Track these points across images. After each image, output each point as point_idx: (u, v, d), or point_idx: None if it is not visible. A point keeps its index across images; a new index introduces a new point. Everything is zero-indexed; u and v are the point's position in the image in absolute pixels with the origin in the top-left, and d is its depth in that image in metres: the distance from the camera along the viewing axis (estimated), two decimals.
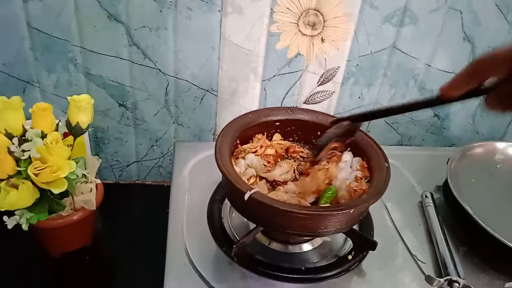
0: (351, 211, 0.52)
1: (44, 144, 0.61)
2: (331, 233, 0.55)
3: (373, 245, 0.62)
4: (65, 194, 0.67)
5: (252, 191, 0.52)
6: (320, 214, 0.52)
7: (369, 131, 0.97)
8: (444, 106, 0.41)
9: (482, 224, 0.63)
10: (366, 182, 0.60)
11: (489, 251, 0.66)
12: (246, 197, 0.52)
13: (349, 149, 0.65)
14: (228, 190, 0.60)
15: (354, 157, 0.64)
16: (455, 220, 0.72)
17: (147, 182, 0.96)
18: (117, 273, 0.76)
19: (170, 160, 0.93)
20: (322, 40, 0.82)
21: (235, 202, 0.58)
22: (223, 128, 0.63)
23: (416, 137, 0.99)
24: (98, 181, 0.72)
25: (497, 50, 0.37)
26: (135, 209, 0.91)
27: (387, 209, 0.74)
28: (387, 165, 0.59)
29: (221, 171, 0.55)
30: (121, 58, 0.78)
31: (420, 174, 0.83)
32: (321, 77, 0.87)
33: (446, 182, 0.73)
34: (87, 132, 0.80)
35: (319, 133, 0.69)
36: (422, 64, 0.88)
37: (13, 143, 0.59)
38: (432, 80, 0.90)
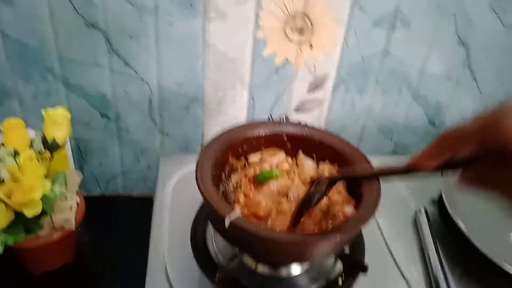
0: (337, 239, 0.49)
1: (17, 163, 0.58)
2: (318, 258, 0.52)
3: (363, 268, 0.59)
4: (42, 213, 0.65)
5: (233, 217, 0.49)
6: (305, 241, 0.49)
7: (362, 139, 0.94)
8: (417, 176, 0.41)
9: (477, 244, 0.60)
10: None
11: (485, 273, 0.63)
12: (227, 224, 0.49)
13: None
14: (209, 213, 0.57)
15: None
16: (450, 238, 0.69)
17: (134, 195, 0.93)
18: None
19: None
20: (311, 46, 0.78)
21: (217, 226, 0.55)
22: (206, 145, 0.60)
23: (411, 145, 0.96)
24: (78, 199, 0.69)
25: (461, 125, 0.35)
26: (121, 222, 0.88)
27: (378, 225, 0.71)
28: (377, 186, 0.56)
29: (201, 193, 0.52)
30: (101, 67, 0.75)
31: (414, 187, 0.79)
32: (311, 84, 0.83)
33: (440, 197, 0.70)
34: (69, 144, 0.77)
35: (309, 147, 0.66)
36: (416, 69, 0.85)
37: None
38: (426, 86, 0.87)
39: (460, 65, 0.85)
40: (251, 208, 0.56)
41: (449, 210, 0.65)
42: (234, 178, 0.63)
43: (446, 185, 0.71)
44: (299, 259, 0.52)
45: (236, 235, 0.52)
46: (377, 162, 0.82)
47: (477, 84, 0.87)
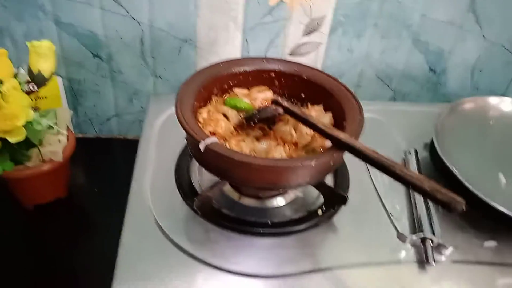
0: (312, 164, 0.48)
1: (0, 92, 0.58)
2: (294, 186, 0.52)
3: (343, 200, 0.59)
4: (31, 144, 0.66)
5: (208, 141, 0.49)
6: (279, 166, 0.49)
7: (360, 86, 0.92)
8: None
9: (465, 182, 0.59)
10: None
11: (471, 210, 0.62)
12: (202, 147, 0.48)
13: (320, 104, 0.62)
14: (187, 139, 0.57)
15: (326, 111, 0.60)
16: (440, 180, 0.67)
17: (129, 137, 0.94)
18: (90, 227, 0.75)
19: None
20: None
21: (194, 153, 0.55)
22: (189, 77, 0.60)
23: (410, 93, 0.94)
24: (65, 133, 0.70)
25: None
26: (115, 164, 0.89)
27: (367, 165, 0.70)
28: (360, 118, 0.55)
29: (178, 119, 0.52)
30: (91, 5, 0.74)
31: (408, 132, 0.77)
32: (307, 26, 0.81)
33: (432, 141, 0.68)
34: (61, 82, 0.78)
35: (298, 85, 0.65)
36: (416, 13, 0.82)
37: None
38: (427, 31, 0.84)
39: (464, 9, 0.82)
40: (208, 125, 0.56)
41: (438, 150, 0.64)
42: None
43: (438, 128, 0.69)
44: (275, 185, 0.51)
45: (212, 161, 0.52)
46: (377, 107, 0.81)
47: (481, 29, 0.84)
